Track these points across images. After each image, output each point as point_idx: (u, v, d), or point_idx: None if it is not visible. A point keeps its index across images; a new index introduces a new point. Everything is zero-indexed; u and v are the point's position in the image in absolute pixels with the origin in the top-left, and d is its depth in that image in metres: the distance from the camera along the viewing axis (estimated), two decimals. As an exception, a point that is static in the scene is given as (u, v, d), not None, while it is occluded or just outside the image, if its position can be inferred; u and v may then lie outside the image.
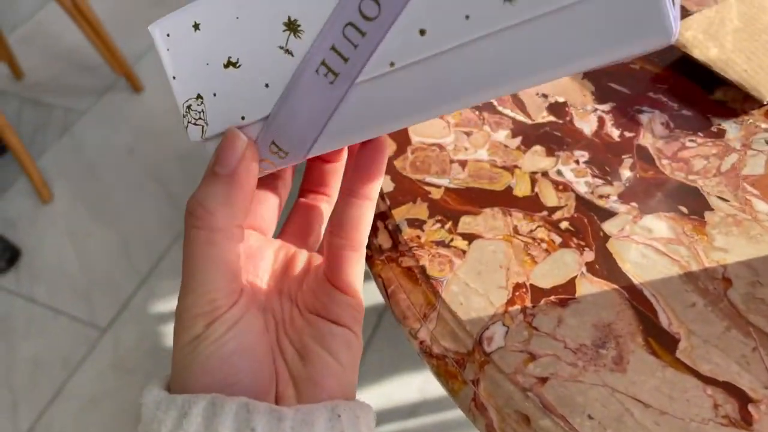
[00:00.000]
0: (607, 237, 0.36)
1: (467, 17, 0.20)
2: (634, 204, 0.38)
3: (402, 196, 0.40)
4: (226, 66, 0.24)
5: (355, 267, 0.27)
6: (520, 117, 0.43)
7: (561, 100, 0.44)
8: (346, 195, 0.26)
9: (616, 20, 0.18)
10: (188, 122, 0.25)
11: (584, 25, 0.18)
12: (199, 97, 0.25)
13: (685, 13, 0.47)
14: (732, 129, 0.40)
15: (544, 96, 0.44)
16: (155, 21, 0.25)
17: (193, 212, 0.24)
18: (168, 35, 0.24)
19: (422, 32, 0.20)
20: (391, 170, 0.42)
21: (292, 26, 0.22)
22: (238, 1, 0.23)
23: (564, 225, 0.37)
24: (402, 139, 0.43)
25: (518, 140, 0.42)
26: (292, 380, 0.26)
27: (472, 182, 0.40)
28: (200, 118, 0.25)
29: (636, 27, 0.18)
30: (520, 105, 0.44)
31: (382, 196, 0.41)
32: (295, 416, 0.23)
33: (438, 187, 0.40)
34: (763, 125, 0.40)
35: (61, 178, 1.57)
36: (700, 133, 0.40)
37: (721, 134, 0.40)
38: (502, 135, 0.42)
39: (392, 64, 0.21)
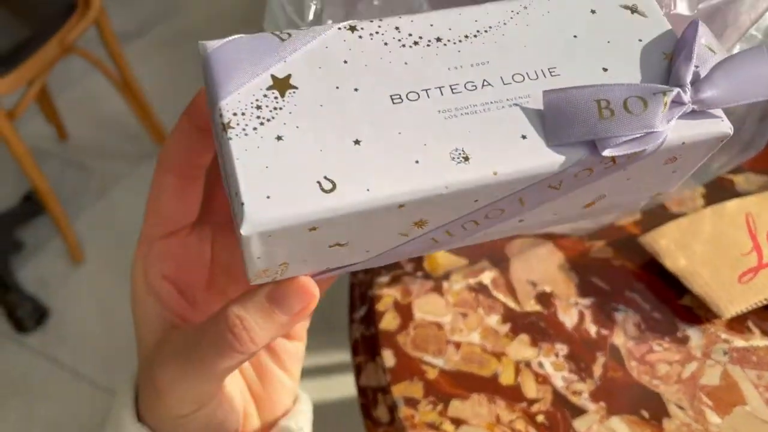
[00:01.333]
0: (576, 434, 0.42)
1: (555, 214, 0.26)
2: (602, 404, 0.43)
3: (402, 371, 0.46)
4: (331, 246, 0.23)
5: None
6: (511, 303, 0.49)
7: (548, 290, 0.50)
8: None
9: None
10: (255, 276, 0.24)
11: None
12: (283, 263, 0.23)
13: (665, 214, 0.53)
14: (695, 336, 0.45)
15: (533, 284, 0.50)
16: (247, 218, 0.20)
17: (240, 337, 0.24)
18: (269, 236, 0.21)
19: (521, 221, 0.26)
20: (393, 345, 0.48)
21: (418, 223, 0.24)
22: (364, 215, 0.21)
23: (540, 418, 0.43)
24: (405, 313, 0.49)
25: (507, 327, 0.48)
26: (253, 398, 0.31)
27: (464, 366, 0.46)
28: (274, 277, 0.24)
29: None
30: (511, 291, 0.50)
31: (384, 369, 0.46)
32: None
33: (434, 367, 0.46)
34: (723, 335, 0.45)
35: (94, 241, 1.66)
36: (666, 338, 0.46)
37: (685, 340, 0.45)
38: (493, 320, 0.48)
39: (484, 235, 0.27)
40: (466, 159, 0.22)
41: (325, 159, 0.21)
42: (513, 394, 0.44)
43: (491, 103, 0.23)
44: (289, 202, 0.21)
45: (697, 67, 0.23)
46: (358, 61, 0.23)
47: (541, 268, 0.51)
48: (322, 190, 0.21)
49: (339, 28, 0.24)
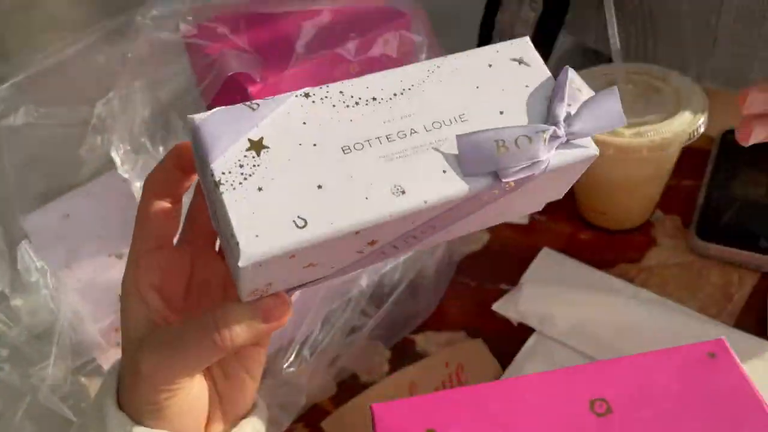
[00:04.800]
0: None
1: (482, 224, 0.36)
2: None
3: None
4: (305, 267, 0.30)
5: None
6: None
7: None
8: None
9: None
10: (247, 295, 0.30)
11: None
12: (268, 284, 0.30)
13: (356, 384, 0.56)
14: None
15: None
16: (243, 253, 0.26)
17: (223, 336, 0.30)
18: (260, 265, 0.27)
19: (448, 232, 0.34)
20: None
21: (371, 243, 0.30)
22: (330, 242, 0.28)
23: None
24: None
25: None
26: (217, 394, 0.35)
27: None
28: (262, 294, 0.31)
29: None
30: None
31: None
32: None
33: None
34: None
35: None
36: None
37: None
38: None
39: (422, 245, 0.34)
40: (403, 192, 0.28)
41: (296, 202, 0.27)
42: None
43: (418, 147, 0.29)
44: (273, 238, 0.26)
45: (569, 105, 0.30)
46: (314, 122, 0.29)
47: None
48: (297, 226, 0.27)
49: (296, 96, 0.30)
